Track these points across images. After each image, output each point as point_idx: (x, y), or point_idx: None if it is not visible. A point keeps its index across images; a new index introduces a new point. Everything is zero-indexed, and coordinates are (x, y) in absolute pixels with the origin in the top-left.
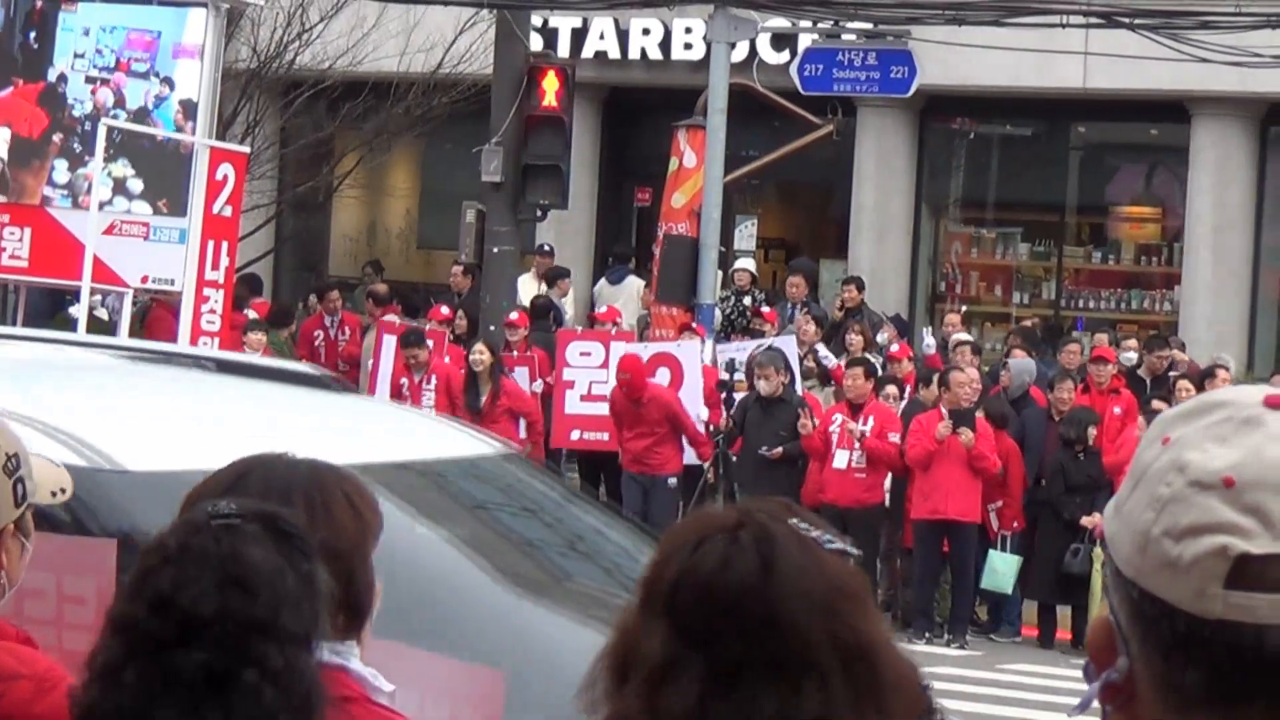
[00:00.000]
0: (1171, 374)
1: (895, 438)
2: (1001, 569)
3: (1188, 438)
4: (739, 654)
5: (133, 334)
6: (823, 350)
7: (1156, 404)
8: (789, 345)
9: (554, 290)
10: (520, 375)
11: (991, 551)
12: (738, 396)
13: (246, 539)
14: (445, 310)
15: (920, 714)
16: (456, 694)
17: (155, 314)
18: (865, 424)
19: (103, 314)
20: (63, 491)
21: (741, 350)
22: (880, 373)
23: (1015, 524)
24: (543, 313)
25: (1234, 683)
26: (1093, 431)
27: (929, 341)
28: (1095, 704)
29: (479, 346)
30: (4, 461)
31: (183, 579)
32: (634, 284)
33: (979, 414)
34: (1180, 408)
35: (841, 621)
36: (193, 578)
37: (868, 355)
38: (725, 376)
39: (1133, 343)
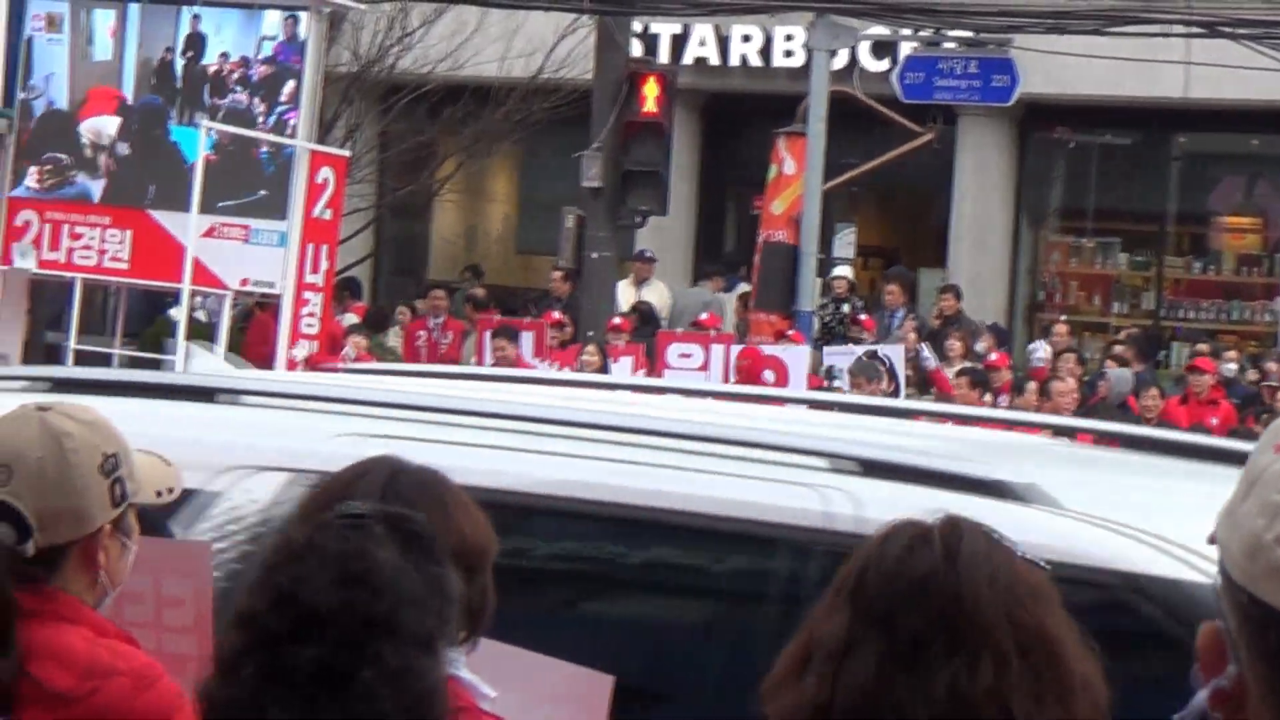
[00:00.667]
0: (1265, 384)
1: None
2: None
3: None
4: (918, 631)
5: (233, 338)
6: (925, 350)
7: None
8: (896, 353)
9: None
10: (623, 365)
11: None
12: None
13: (371, 538)
14: (557, 315)
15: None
16: (562, 697)
17: (259, 319)
18: None
19: (202, 316)
20: (169, 491)
21: (847, 355)
22: (989, 384)
23: None
24: (646, 319)
25: None
26: None
27: (1041, 354)
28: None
29: (590, 348)
30: (101, 461)
31: (303, 574)
32: (734, 291)
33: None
34: None
35: (1024, 609)
36: (313, 573)
37: (969, 364)
38: (825, 383)
39: (1233, 354)
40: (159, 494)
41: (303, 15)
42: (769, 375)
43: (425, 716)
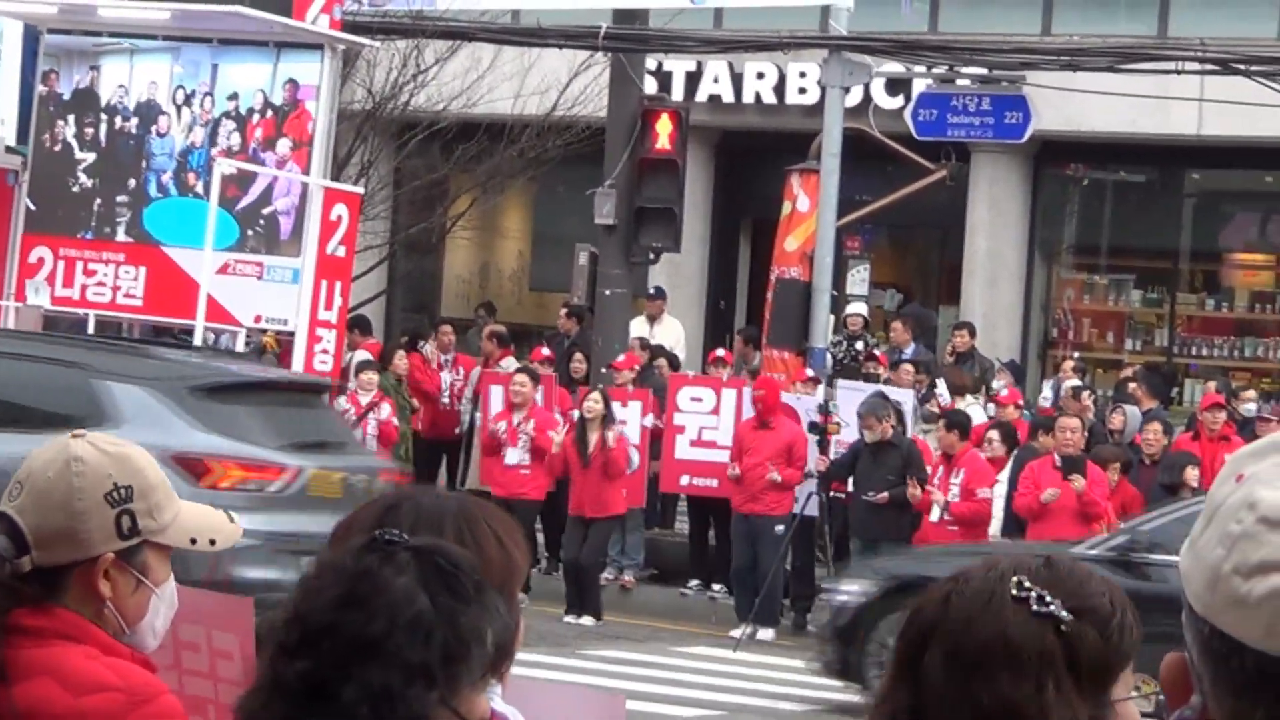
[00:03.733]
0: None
1: (985, 492)
2: None
3: (1260, 474)
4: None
5: None
6: (940, 387)
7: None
8: (905, 395)
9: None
10: (633, 410)
11: None
12: (835, 439)
13: (390, 563)
14: (545, 351)
15: None
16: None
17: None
18: (956, 476)
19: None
20: (211, 543)
21: (858, 392)
22: (968, 427)
23: None
24: (656, 355)
25: None
26: (1192, 473)
27: (1045, 394)
28: None
29: (594, 395)
30: (110, 489)
31: (311, 591)
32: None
33: (1089, 459)
34: (1254, 445)
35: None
36: (319, 591)
37: (958, 406)
38: (816, 419)
39: (1251, 393)
40: (193, 540)
41: (316, 53)
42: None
43: None
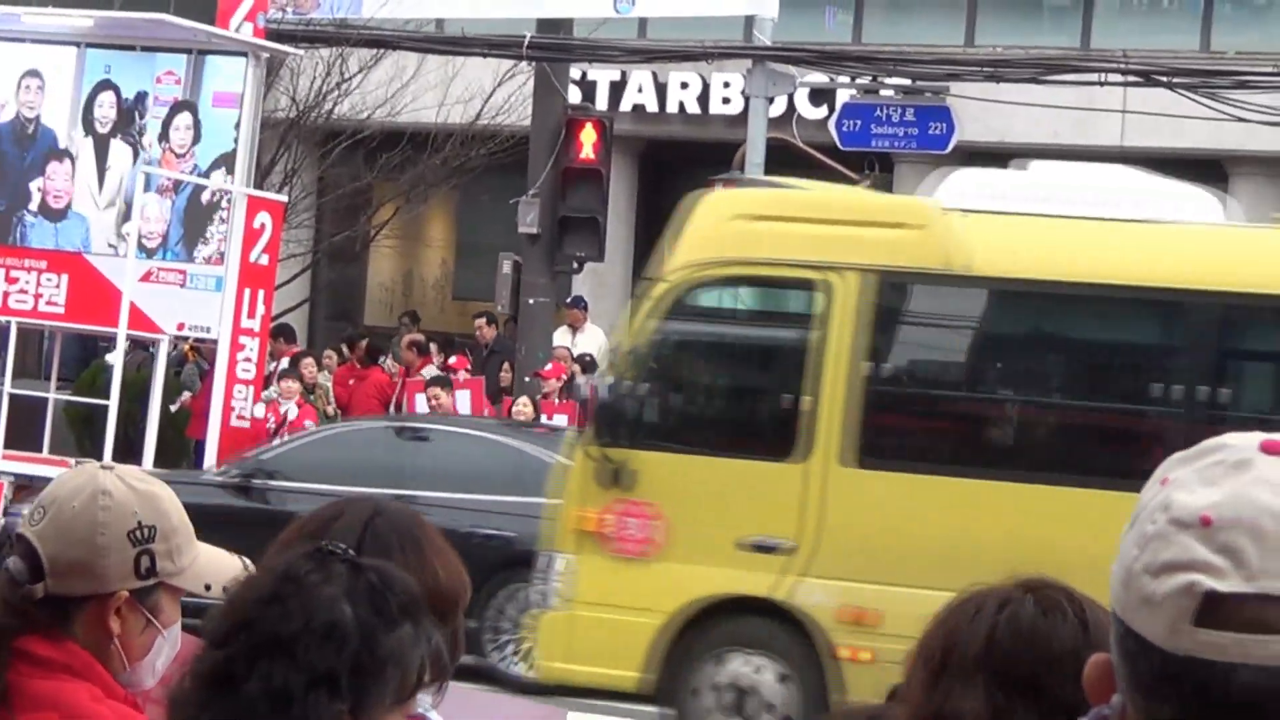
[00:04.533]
0: None
1: None
2: None
3: (1182, 479)
4: (1069, 699)
5: (168, 382)
6: None
7: None
8: None
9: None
10: (559, 422)
11: None
12: None
13: (318, 570)
14: (454, 360)
15: None
16: None
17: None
18: None
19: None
20: (225, 590)
21: None
22: None
23: None
24: (588, 370)
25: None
26: None
27: None
28: None
29: (523, 399)
30: (134, 528)
31: (244, 588)
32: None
33: None
34: (1185, 451)
35: None
36: (250, 588)
37: None
38: None
39: None
40: (207, 587)
41: (239, 61)
42: None
43: None
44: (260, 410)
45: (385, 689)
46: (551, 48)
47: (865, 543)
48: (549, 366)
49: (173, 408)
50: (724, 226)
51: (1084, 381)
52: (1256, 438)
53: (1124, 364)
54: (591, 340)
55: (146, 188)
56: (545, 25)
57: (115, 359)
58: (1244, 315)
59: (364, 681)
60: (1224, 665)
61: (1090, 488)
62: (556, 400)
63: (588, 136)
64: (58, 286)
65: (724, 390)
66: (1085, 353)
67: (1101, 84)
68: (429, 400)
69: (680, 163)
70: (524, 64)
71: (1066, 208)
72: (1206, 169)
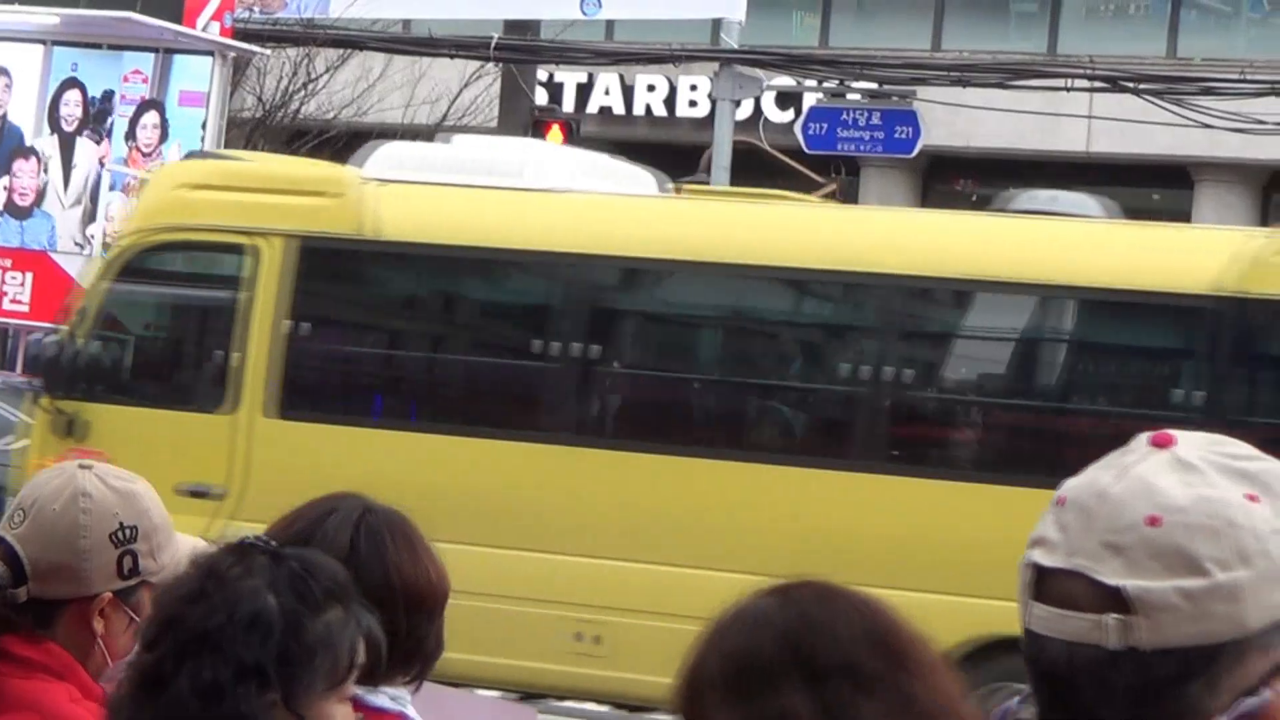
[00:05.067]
0: None
1: None
2: None
3: (1097, 465)
4: None
5: None
6: None
7: None
8: None
9: None
10: None
11: None
12: None
13: (240, 564)
14: None
15: None
16: None
17: None
18: None
19: None
20: None
21: None
22: None
23: None
24: None
25: (1036, 693)
26: None
27: None
28: None
29: None
30: (116, 529)
31: (172, 586)
32: None
33: None
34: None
35: None
36: (179, 585)
37: None
38: None
39: None
40: None
41: (206, 60)
42: None
43: None
44: None
45: (315, 675)
46: (518, 49)
47: (288, 488)
48: None
49: None
50: (170, 195)
51: (483, 337)
52: (1163, 432)
53: (517, 321)
54: None
55: (113, 186)
56: (512, 27)
57: None
58: (623, 276)
59: (292, 670)
60: (1040, 638)
61: (453, 435)
62: None
63: (554, 138)
64: (22, 285)
65: (164, 347)
66: (482, 312)
67: (1068, 89)
68: None
69: (646, 165)
70: (491, 65)
71: (475, 179)
72: (1172, 175)
